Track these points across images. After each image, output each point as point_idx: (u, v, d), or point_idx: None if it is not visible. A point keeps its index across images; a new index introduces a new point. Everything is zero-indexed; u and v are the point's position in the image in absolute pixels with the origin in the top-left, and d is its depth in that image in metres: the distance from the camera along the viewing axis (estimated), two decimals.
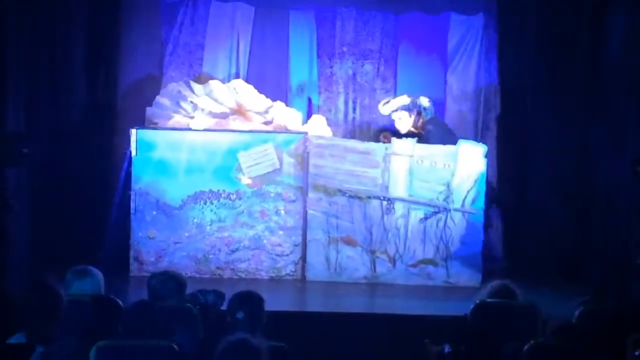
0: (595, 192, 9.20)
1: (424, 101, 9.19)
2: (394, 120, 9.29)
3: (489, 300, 5.56)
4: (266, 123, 9.24)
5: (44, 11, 9.12)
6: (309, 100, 9.81)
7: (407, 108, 9.18)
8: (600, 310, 5.17)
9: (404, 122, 9.21)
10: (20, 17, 8.73)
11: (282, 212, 8.91)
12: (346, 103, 9.78)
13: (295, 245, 8.91)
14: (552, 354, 4.57)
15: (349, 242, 8.86)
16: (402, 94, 9.49)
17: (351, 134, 9.71)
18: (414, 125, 9.22)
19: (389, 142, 8.92)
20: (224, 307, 5.80)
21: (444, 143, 8.86)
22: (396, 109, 9.20)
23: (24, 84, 8.85)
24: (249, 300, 5.42)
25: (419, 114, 9.18)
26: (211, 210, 8.86)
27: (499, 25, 9.65)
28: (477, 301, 5.47)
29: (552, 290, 8.31)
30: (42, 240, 8.87)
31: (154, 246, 8.86)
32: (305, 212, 8.88)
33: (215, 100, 9.26)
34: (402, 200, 8.81)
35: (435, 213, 8.83)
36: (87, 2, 9.45)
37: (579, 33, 9.40)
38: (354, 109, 9.78)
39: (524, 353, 4.56)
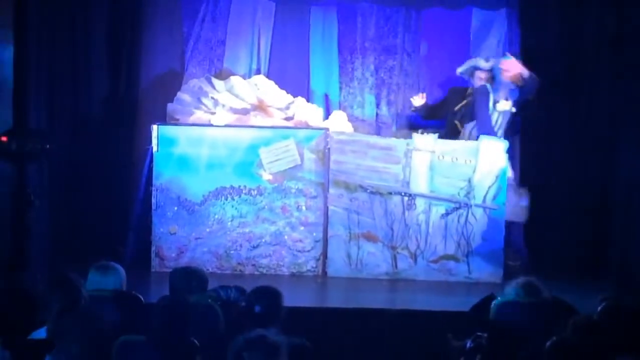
0: (617, 187, 9.13)
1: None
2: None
3: (512, 296, 5.55)
4: (287, 119, 9.23)
5: (64, 7, 9.14)
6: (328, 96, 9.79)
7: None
8: (622, 306, 5.14)
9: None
10: (41, 13, 8.76)
11: (303, 208, 8.90)
12: (367, 99, 9.75)
13: (316, 241, 8.91)
14: (574, 350, 4.55)
15: (370, 238, 8.85)
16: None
17: (373, 130, 9.68)
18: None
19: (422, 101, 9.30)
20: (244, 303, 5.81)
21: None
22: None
23: (45, 81, 8.89)
24: (266, 294, 5.42)
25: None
26: (232, 206, 8.87)
27: (521, 20, 9.60)
28: (500, 298, 5.46)
29: (574, 286, 8.27)
30: (64, 236, 8.91)
31: (175, 242, 8.88)
32: (326, 208, 8.88)
33: (237, 96, 9.26)
34: (423, 196, 8.79)
35: (457, 209, 8.81)
36: None
37: (602, 28, 9.34)
38: (377, 105, 9.75)
39: (547, 349, 4.54)
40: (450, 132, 9.22)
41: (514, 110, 9.04)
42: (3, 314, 5.12)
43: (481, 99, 9.08)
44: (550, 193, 9.47)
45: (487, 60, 9.20)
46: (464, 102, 9.26)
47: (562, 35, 9.50)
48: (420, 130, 9.21)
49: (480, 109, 9.07)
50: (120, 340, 4.99)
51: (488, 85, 9.07)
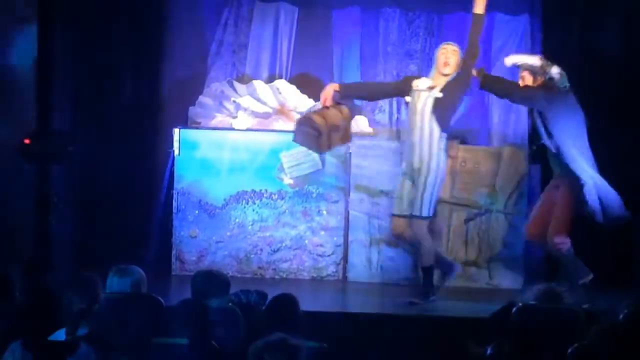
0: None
1: (554, 70, 7.91)
2: None
3: (533, 302, 5.52)
4: None
5: (88, 9, 9.18)
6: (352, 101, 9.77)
7: (534, 71, 7.94)
8: None
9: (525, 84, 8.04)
10: (66, 15, 8.80)
11: (324, 212, 8.91)
12: (390, 103, 9.72)
13: (337, 246, 8.91)
14: (597, 357, 4.52)
15: (391, 243, 8.84)
16: None
17: (394, 135, 9.65)
18: None
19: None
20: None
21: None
22: (520, 65, 8.04)
23: (68, 83, 8.93)
24: (282, 302, 5.44)
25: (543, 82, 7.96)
26: (253, 210, 8.88)
27: (543, 26, 9.56)
28: (521, 304, 5.43)
29: (599, 292, 8.23)
30: (86, 238, 8.94)
31: (196, 245, 8.90)
32: (347, 213, 8.88)
33: (258, 100, 9.27)
34: (445, 201, 8.76)
35: (478, 215, 8.79)
36: (133, 2, 9.50)
37: (626, 35, 9.29)
38: (398, 110, 9.73)
39: (569, 356, 4.52)
40: None
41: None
42: (26, 315, 5.15)
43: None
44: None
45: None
46: None
47: (585, 42, 9.45)
48: None
49: None
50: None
51: None
